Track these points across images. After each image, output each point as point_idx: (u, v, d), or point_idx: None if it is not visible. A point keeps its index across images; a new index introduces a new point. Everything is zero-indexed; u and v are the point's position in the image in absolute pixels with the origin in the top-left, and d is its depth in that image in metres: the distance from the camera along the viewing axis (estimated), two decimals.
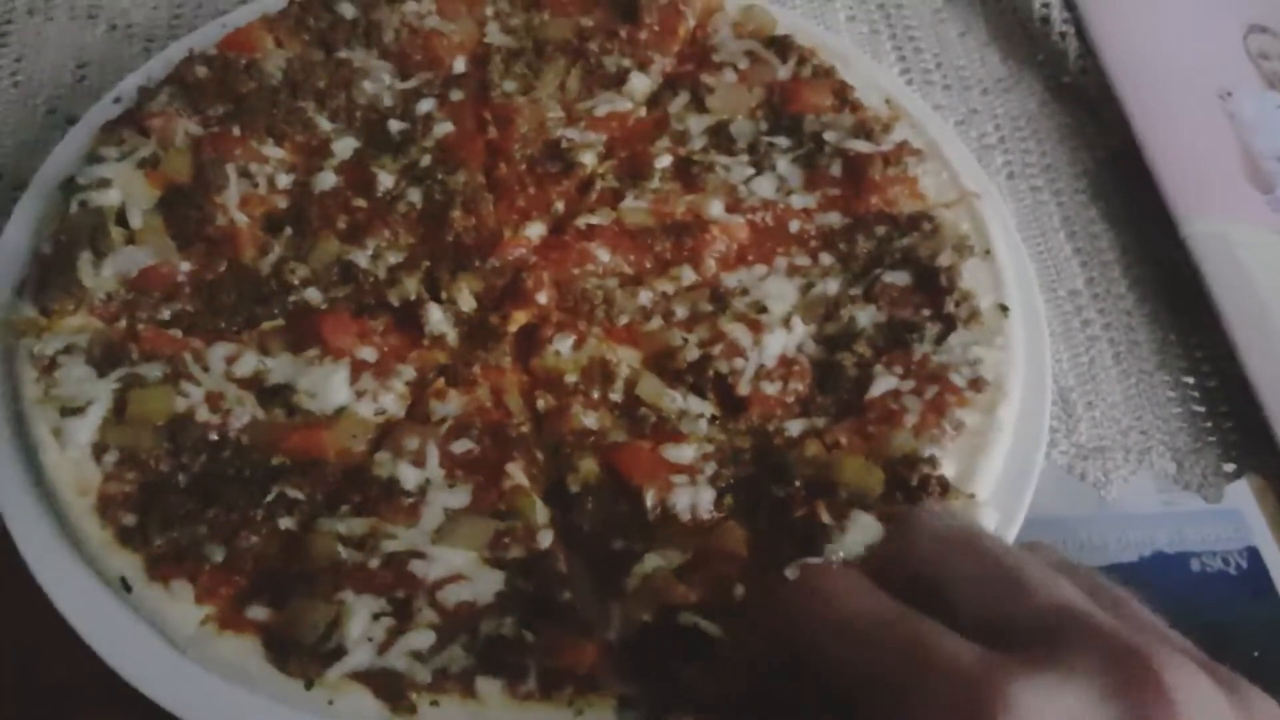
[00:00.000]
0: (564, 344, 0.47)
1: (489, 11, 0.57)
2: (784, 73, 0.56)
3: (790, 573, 0.39)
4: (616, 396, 0.46)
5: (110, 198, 0.47)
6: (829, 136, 0.54)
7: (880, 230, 0.51)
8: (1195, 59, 0.63)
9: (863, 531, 0.41)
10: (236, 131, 0.51)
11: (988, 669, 0.28)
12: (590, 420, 0.45)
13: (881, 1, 0.67)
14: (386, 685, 0.38)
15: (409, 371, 0.46)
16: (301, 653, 0.38)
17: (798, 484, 0.42)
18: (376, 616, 0.39)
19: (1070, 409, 0.51)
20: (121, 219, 0.48)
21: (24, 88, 0.57)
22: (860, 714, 0.30)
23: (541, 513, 0.42)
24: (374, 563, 0.40)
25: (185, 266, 0.47)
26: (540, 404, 0.45)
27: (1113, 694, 0.27)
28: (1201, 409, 0.52)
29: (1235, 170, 0.58)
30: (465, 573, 0.40)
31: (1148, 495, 0.50)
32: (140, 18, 0.60)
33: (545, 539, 0.42)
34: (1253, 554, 0.56)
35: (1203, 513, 0.52)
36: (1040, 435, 0.46)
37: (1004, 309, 0.48)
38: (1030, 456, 0.45)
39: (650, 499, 0.42)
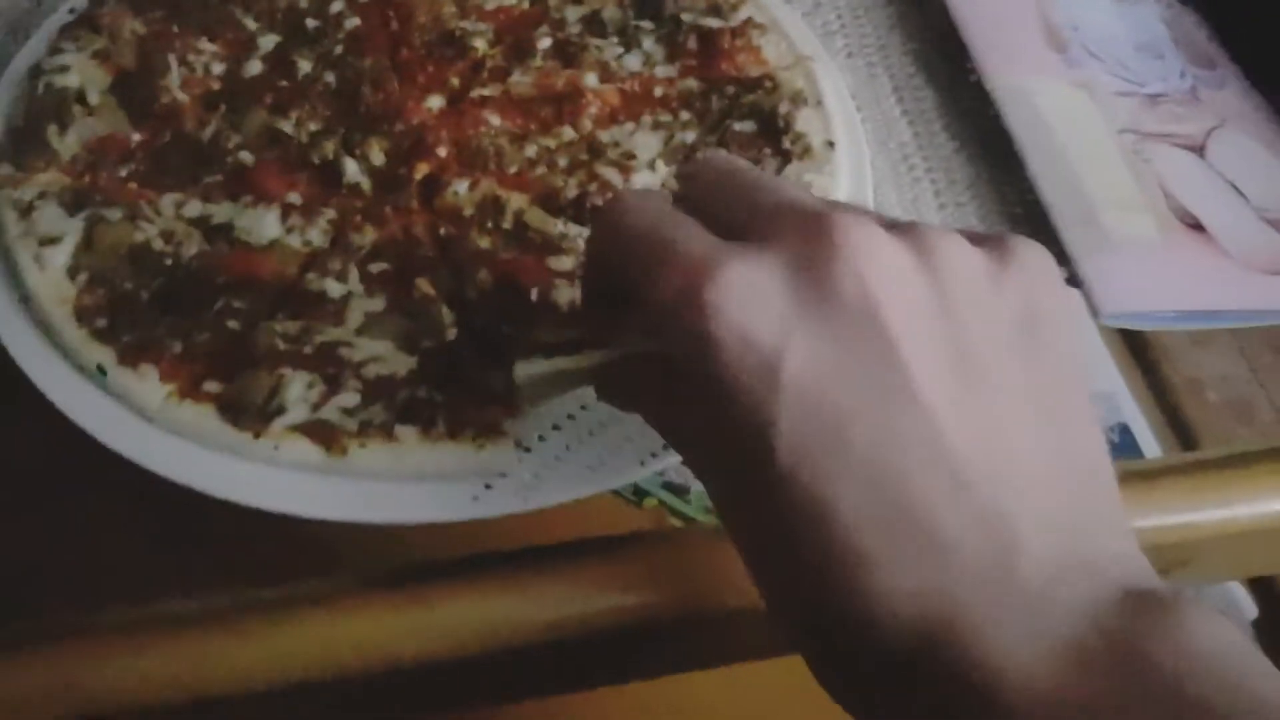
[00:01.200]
0: (461, 186, 0.56)
1: None
2: None
3: None
4: (507, 225, 0.55)
5: (70, 80, 0.56)
6: (686, 17, 0.63)
7: (730, 90, 0.60)
8: None
9: None
10: (175, 30, 0.60)
11: (706, 253, 0.33)
12: (485, 243, 0.54)
13: None
14: (321, 434, 0.46)
15: (331, 212, 0.54)
16: (249, 413, 0.46)
17: None
18: (310, 385, 0.48)
19: None
20: (81, 99, 0.56)
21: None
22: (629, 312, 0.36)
23: (447, 315, 0.51)
24: (307, 350, 0.49)
25: (137, 136, 0.56)
26: (442, 232, 0.54)
27: (794, 250, 0.33)
28: (1007, 230, 0.62)
29: (1037, 38, 0.68)
30: (384, 356, 0.49)
31: None
32: None
33: (451, 334, 0.51)
34: (1124, 429, 0.66)
35: None
36: None
37: (830, 145, 0.58)
38: None
39: (535, 294, 0.51)
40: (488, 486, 0.46)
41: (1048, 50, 0.68)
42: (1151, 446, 0.65)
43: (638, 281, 0.36)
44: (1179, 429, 0.61)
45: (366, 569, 0.46)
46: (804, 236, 0.33)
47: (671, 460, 0.48)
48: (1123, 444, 0.64)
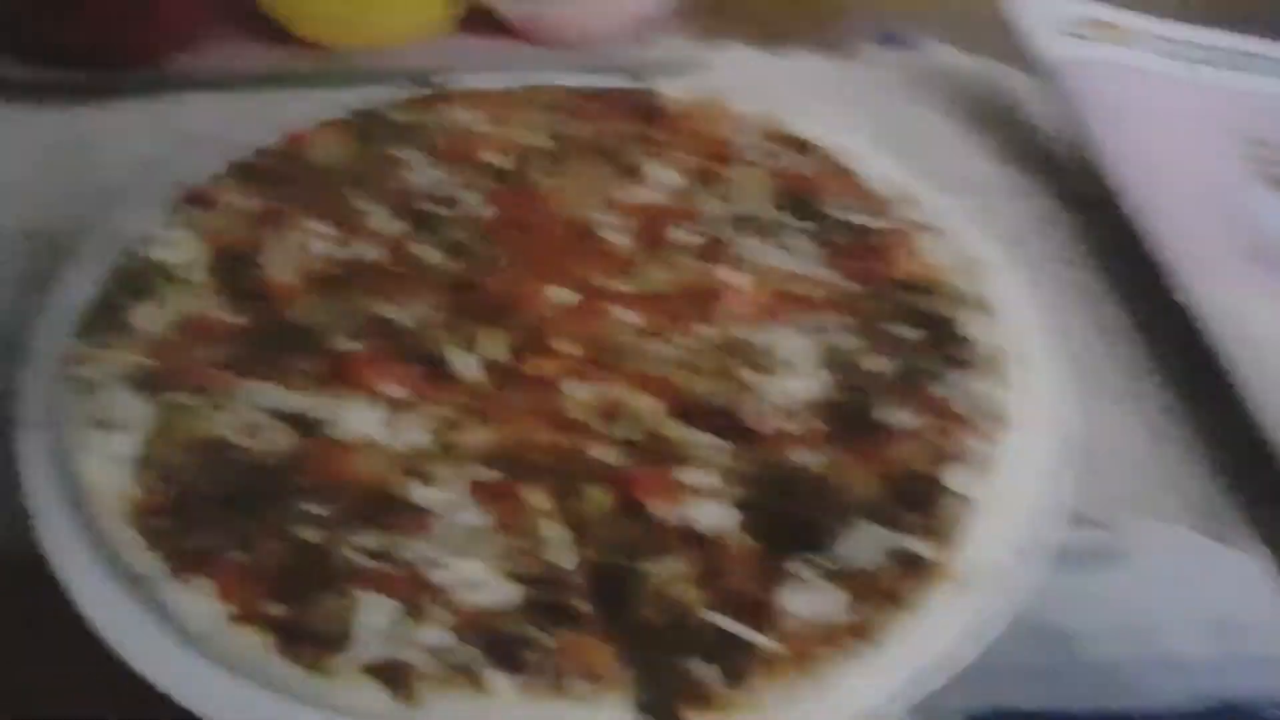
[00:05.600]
0: (582, 389, 0.48)
1: (524, 120, 0.62)
2: (801, 168, 0.60)
3: (798, 568, 0.40)
4: (633, 435, 0.47)
5: (169, 253, 0.51)
6: (842, 216, 0.57)
7: (894, 293, 0.53)
8: (1199, 164, 0.66)
9: (867, 538, 0.42)
10: (291, 210, 0.55)
11: None
12: (605, 455, 0.46)
13: (899, 121, 0.71)
14: (395, 677, 0.38)
15: (436, 409, 0.48)
16: (313, 644, 0.38)
17: (808, 498, 0.43)
18: (389, 613, 0.39)
19: (1095, 469, 0.51)
20: (176, 274, 0.51)
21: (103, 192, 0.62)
22: None
23: (559, 533, 0.43)
24: (390, 568, 0.41)
25: (232, 319, 0.50)
26: (556, 440, 0.47)
27: None
28: (1221, 470, 0.52)
29: (1241, 256, 0.60)
30: (481, 581, 0.41)
31: (1210, 642, 0.49)
32: (208, 132, 0.66)
33: (562, 557, 0.42)
34: None
35: (1268, 659, 0.50)
36: (1056, 470, 0.47)
37: (1012, 355, 0.50)
38: (1046, 490, 0.46)
39: (664, 512, 0.43)
40: None
41: (1256, 268, 0.59)
42: None
43: None
44: None
45: None
46: None
47: None
48: None
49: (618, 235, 0.56)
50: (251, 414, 0.46)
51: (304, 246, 0.54)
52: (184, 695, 0.38)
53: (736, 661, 0.38)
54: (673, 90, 0.65)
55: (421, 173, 0.59)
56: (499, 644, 0.38)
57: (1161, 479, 0.51)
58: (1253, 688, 0.45)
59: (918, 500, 0.43)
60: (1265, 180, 0.65)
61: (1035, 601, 0.44)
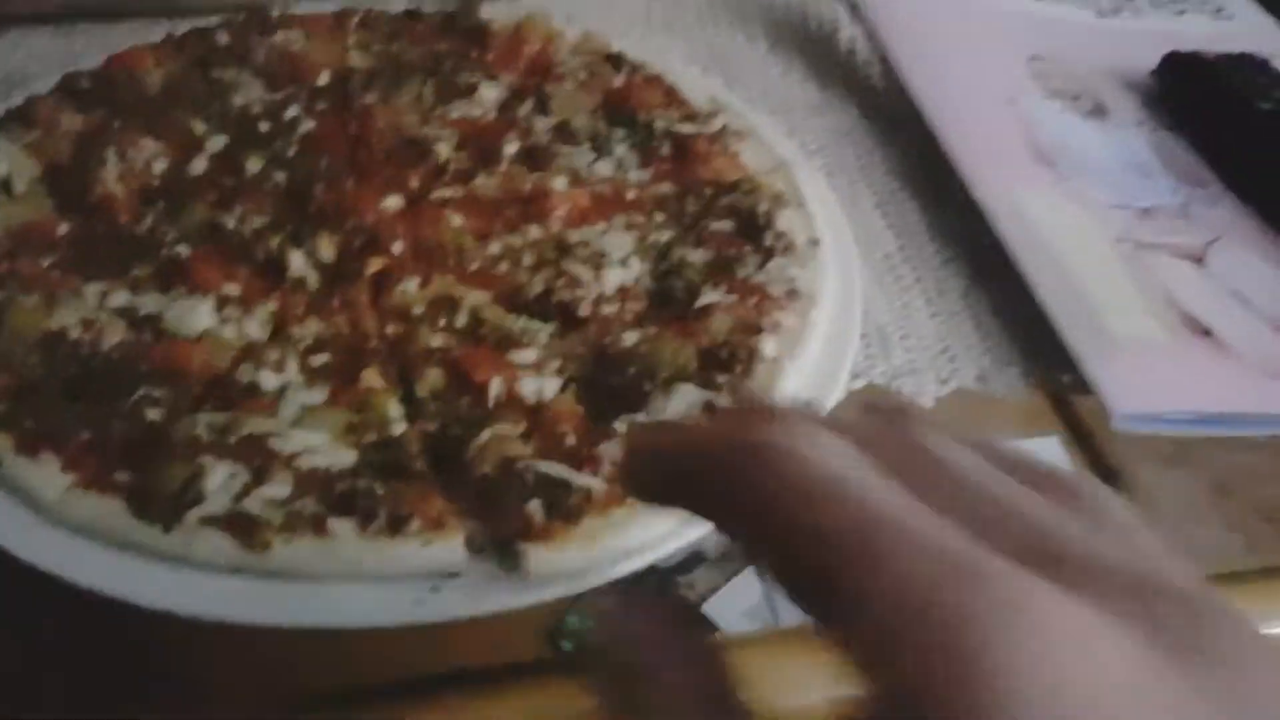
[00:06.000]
0: (411, 284, 0.51)
1: (351, 41, 0.64)
2: (618, 80, 0.64)
3: (619, 426, 0.44)
4: (461, 323, 0.50)
5: None
6: (659, 124, 0.61)
7: (707, 192, 0.57)
8: (985, 78, 0.72)
9: (683, 397, 0.46)
10: (117, 127, 0.56)
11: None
12: (436, 341, 0.49)
13: (710, 45, 0.75)
14: (241, 527, 0.40)
15: (271, 305, 0.50)
16: (161, 503, 0.40)
17: (631, 371, 0.47)
18: (233, 476, 0.41)
19: (887, 341, 0.57)
20: (7, 188, 0.52)
21: None
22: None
23: (395, 408, 0.46)
24: (232, 440, 0.43)
25: (64, 226, 0.51)
26: (389, 330, 0.49)
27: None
28: (1002, 337, 0.58)
29: (1023, 155, 0.66)
30: (319, 447, 0.43)
31: None
32: (37, 69, 0.66)
33: (398, 428, 0.45)
34: None
35: None
36: (852, 334, 0.51)
37: (815, 242, 0.54)
38: (844, 350, 0.51)
39: (496, 386, 0.46)
40: (434, 589, 0.40)
41: (1036, 166, 0.66)
42: None
43: (859, 587, 0.21)
44: None
45: None
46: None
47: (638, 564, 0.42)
48: None
49: (446, 147, 0.59)
50: (89, 311, 0.48)
51: (134, 161, 0.55)
52: (46, 562, 0.39)
53: (564, 500, 0.41)
54: (494, 13, 0.68)
55: (248, 93, 0.60)
56: (339, 497, 0.41)
57: (952, 353, 0.56)
58: None
59: (729, 365, 0.47)
60: (1045, 91, 0.72)
61: None
